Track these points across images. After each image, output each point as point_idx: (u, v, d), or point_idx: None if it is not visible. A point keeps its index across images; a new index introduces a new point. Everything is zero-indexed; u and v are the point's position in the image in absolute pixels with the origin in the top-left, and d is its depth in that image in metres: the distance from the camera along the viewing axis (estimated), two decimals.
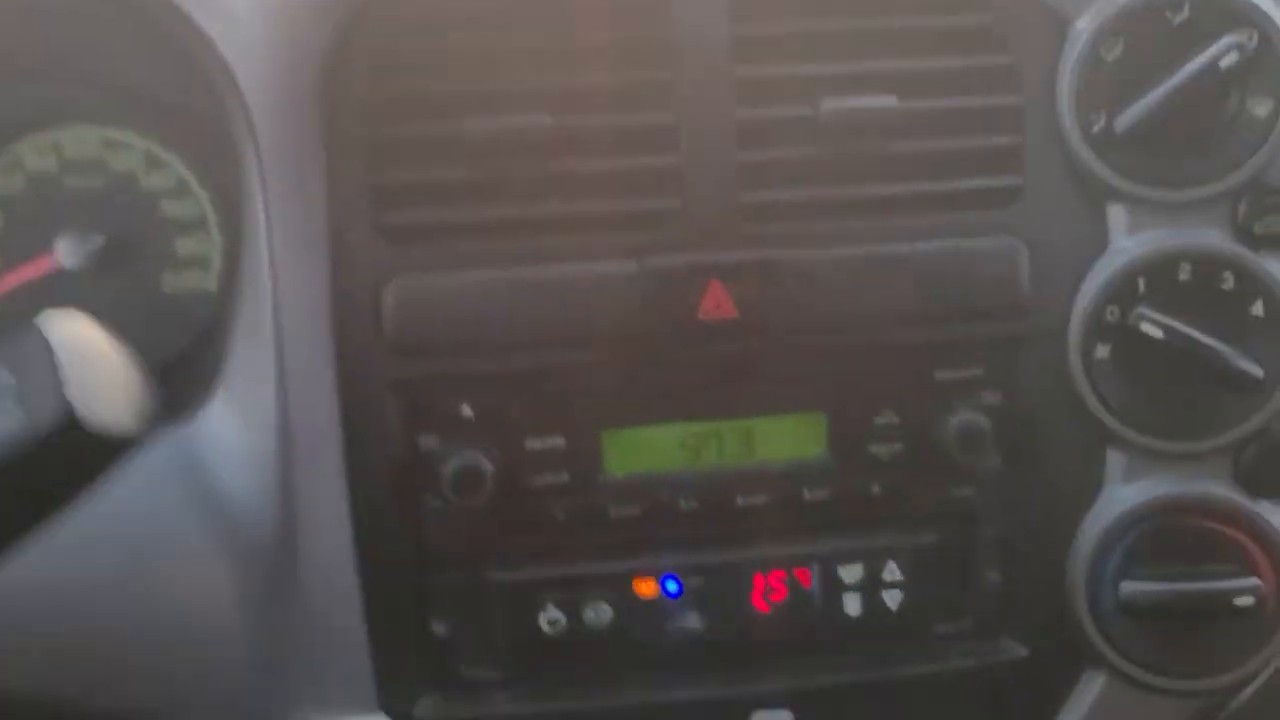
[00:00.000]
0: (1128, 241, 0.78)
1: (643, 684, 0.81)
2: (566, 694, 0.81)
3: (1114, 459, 0.77)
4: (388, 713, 0.78)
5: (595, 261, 0.75)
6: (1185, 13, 0.75)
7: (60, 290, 0.86)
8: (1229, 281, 0.77)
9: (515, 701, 0.81)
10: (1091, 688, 0.81)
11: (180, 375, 0.83)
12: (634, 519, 0.79)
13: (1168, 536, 0.77)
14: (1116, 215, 0.78)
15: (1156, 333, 0.75)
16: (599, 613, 0.80)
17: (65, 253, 0.85)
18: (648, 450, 0.79)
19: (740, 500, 0.79)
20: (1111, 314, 0.77)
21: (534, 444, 0.77)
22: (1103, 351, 0.78)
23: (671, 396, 0.78)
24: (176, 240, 0.88)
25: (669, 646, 0.81)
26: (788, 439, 0.80)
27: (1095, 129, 0.76)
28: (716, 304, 0.74)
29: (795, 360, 0.78)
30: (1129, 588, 0.77)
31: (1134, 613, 0.77)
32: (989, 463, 0.80)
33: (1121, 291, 0.77)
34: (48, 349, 0.56)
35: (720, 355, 0.77)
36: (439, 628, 0.80)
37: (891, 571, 0.82)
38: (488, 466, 0.74)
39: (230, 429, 0.74)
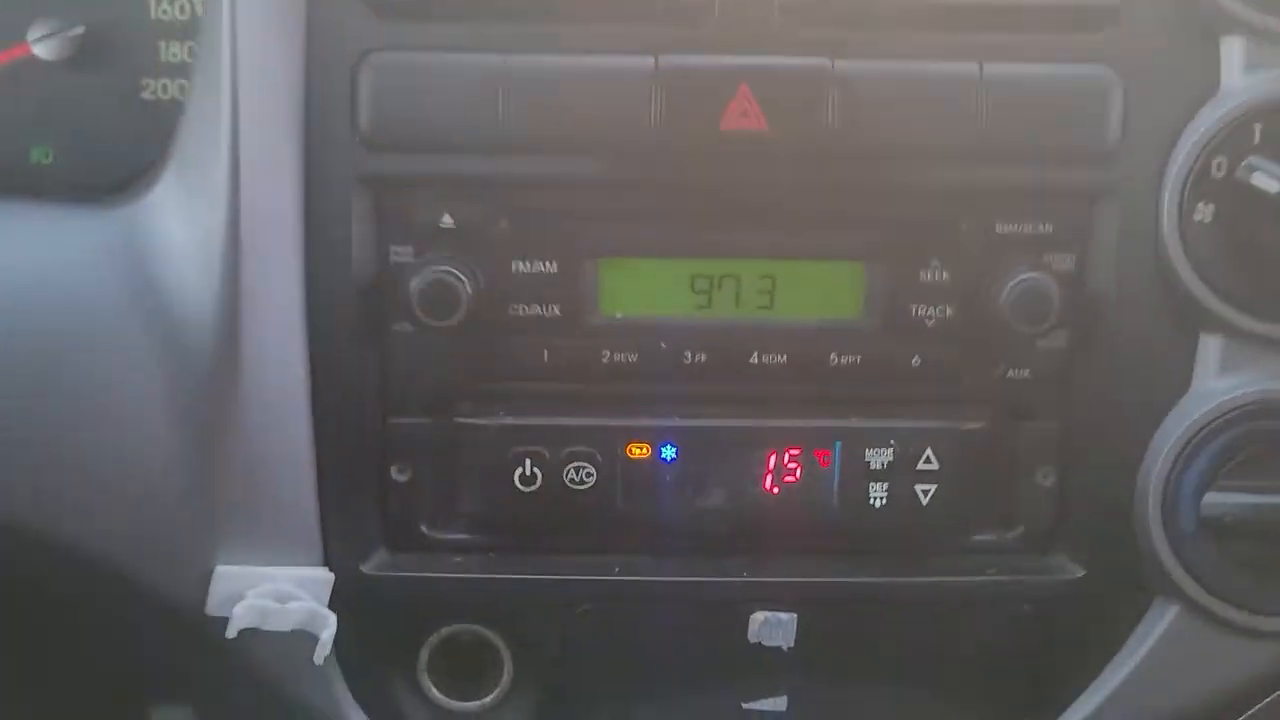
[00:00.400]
0: (1243, 80, 0.65)
1: (624, 564, 0.70)
2: (536, 565, 0.71)
3: (1208, 345, 0.66)
4: (333, 566, 0.68)
5: (606, 55, 0.64)
6: None
7: (30, 81, 0.78)
8: None
9: (478, 566, 0.70)
10: (1160, 622, 0.69)
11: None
12: (630, 369, 0.68)
13: (1268, 442, 0.66)
14: (1231, 49, 0.65)
15: (1272, 186, 0.62)
16: (581, 474, 0.69)
17: (39, 41, 0.77)
18: (651, 289, 0.68)
19: (755, 359, 0.68)
20: (1218, 167, 0.64)
21: (520, 267, 0.66)
22: (1204, 212, 0.65)
23: (683, 225, 0.67)
24: (162, 44, 0.79)
25: (659, 523, 0.70)
26: (817, 291, 0.68)
27: None
28: (743, 113, 0.63)
29: (832, 194, 0.66)
30: (1214, 501, 0.64)
31: (1219, 532, 0.66)
32: (1053, 340, 0.68)
33: (1231, 140, 0.64)
34: None
35: (744, 178, 0.65)
36: (399, 475, 0.69)
37: (927, 461, 0.69)
38: (465, 287, 0.63)
39: (175, 213, 0.65)
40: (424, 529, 0.71)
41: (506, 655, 0.72)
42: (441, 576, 0.70)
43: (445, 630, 0.72)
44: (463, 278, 0.62)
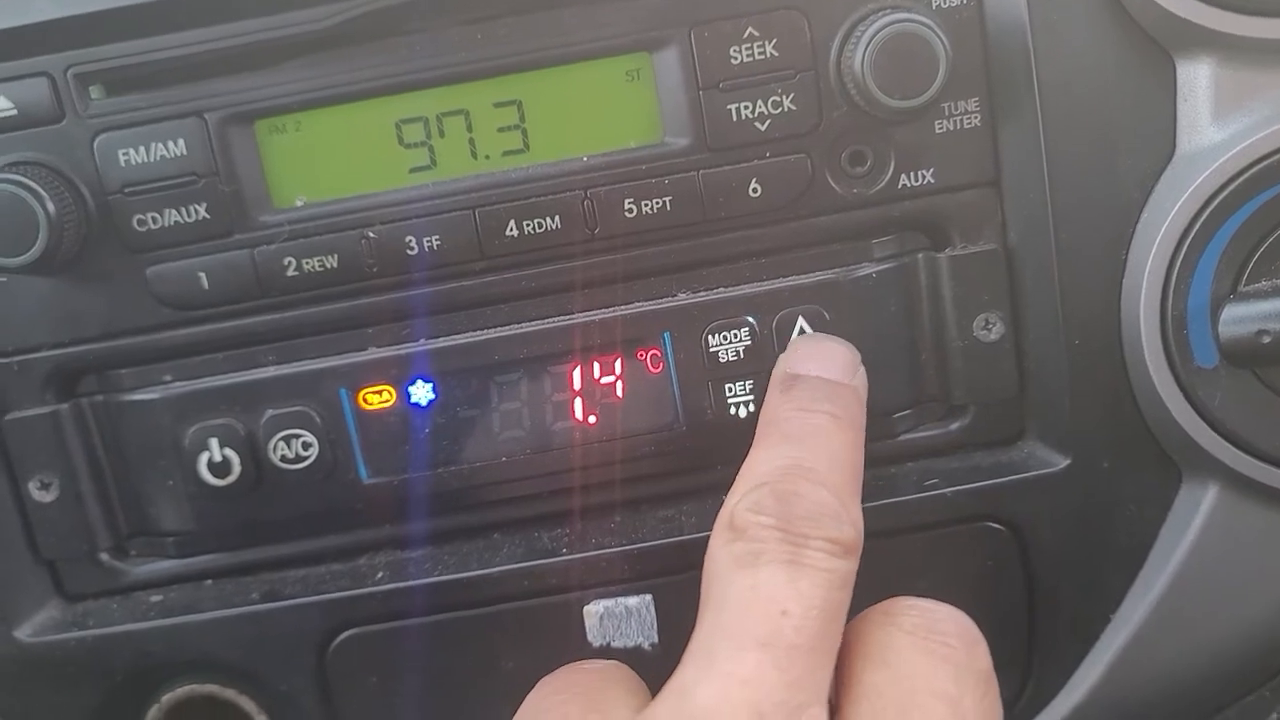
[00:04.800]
0: None
1: (388, 565, 0.49)
2: (267, 589, 0.49)
3: (1191, 79, 0.43)
4: None
5: None
6: None
7: None
8: None
9: (184, 604, 0.49)
10: (1192, 514, 0.49)
11: None
12: (331, 278, 0.46)
13: None
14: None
15: None
16: (296, 446, 0.47)
17: None
18: (340, 155, 0.46)
19: (513, 230, 0.45)
20: None
21: (133, 155, 0.45)
22: None
23: (367, 45, 0.44)
24: None
25: (426, 499, 0.48)
26: (589, 111, 0.46)
27: None
28: None
29: None
30: (1240, 315, 0.40)
31: (1253, 359, 0.44)
32: (958, 115, 0.45)
33: None
34: None
35: None
36: (40, 492, 0.48)
37: (803, 331, 0.46)
38: (44, 204, 0.43)
39: None
40: (105, 559, 0.49)
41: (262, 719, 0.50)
42: (135, 628, 0.48)
43: (166, 698, 0.50)
44: (39, 189, 0.40)
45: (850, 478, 0.39)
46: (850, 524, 0.37)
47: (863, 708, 0.35)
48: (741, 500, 0.38)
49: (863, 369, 0.44)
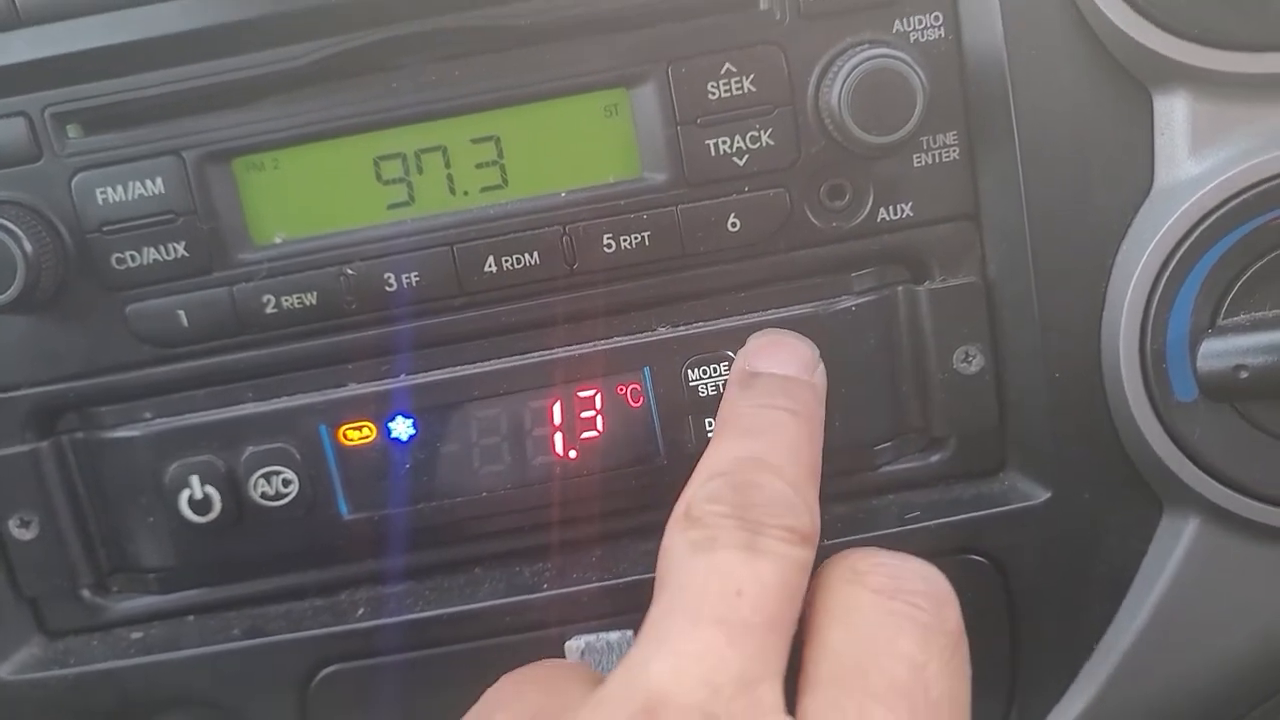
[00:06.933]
0: None
1: (369, 601, 0.49)
2: (249, 625, 0.49)
3: (1168, 111, 0.42)
4: None
5: None
6: None
7: None
8: None
9: (164, 641, 0.49)
10: (1174, 546, 0.48)
11: None
12: (310, 315, 0.46)
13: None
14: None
15: None
16: (276, 483, 0.47)
17: None
18: (318, 192, 0.46)
19: (492, 266, 0.45)
20: None
21: (111, 194, 0.44)
22: None
23: (343, 82, 0.44)
24: None
25: (407, 535, 0.48)
26: (567, 147, 0.46)
27: None
28: None
29: None
30: (1216, 350, 0.41)
31: (1232, 394, 0.44)
32: (938, 149, 0.45)
33: None
34: None
35: None
36: (20, 530, 0.48)
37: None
38: (22, 244, 0.43)
39: None
40: (87, 596, 0.49)
41: None
42: (117, 665, 0.48)
43: None
44: (16, 229, 0.41)
45: (807, 470, 0.38)
46: (807, 513, 0.36)
47: (823, 668, 0.34)
48: (698, 491, 0.37)
49: (822, 366, 0.43)
